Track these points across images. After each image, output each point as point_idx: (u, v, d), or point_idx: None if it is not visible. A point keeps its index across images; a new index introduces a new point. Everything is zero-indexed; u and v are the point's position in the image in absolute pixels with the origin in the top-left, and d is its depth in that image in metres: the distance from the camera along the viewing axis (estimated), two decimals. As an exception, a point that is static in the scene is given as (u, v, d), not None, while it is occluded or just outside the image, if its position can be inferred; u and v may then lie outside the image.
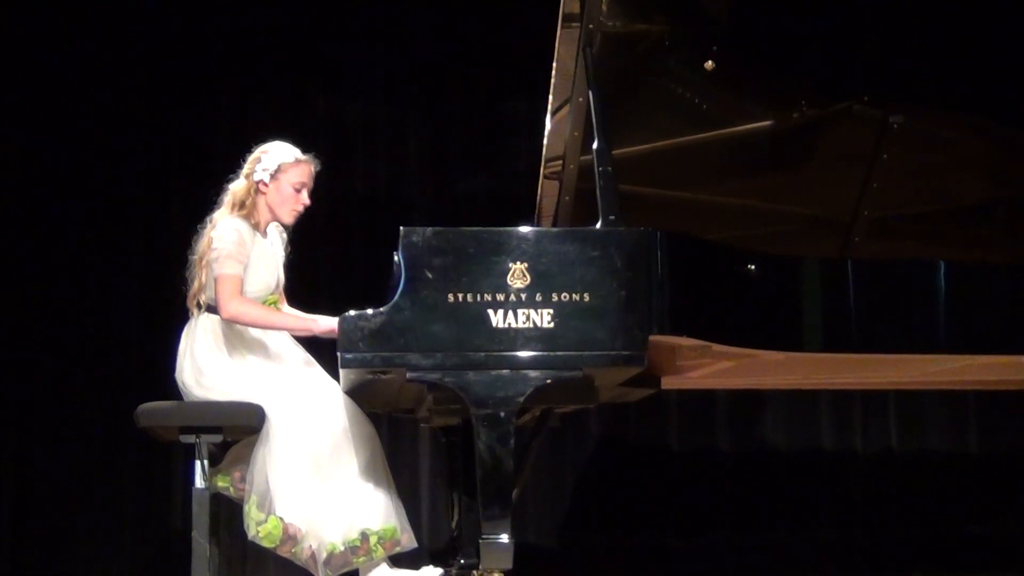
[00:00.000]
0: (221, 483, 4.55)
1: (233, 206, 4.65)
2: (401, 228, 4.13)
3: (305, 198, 4.70)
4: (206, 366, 4.53)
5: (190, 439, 4.43)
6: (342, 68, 6.73)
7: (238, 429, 4.49)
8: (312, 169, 4.72)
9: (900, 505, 6.73)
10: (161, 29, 6.65)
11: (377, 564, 4.44)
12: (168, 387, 4.70)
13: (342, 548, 4.37)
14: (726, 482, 6.71)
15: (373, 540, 4.39)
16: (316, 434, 4.41)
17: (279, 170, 4.65)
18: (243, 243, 4.56)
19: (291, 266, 4.84)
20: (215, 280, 4.53)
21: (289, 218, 4.72)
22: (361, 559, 4.39)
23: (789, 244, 5.04)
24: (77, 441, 6.37)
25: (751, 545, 6.63)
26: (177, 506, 6.28)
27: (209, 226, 4.65)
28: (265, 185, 4.65)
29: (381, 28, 6.75)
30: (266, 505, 4.37)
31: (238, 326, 4.56)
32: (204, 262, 4.59)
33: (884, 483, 6.78)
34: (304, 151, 4.72)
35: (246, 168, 4.70)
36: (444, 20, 6.78)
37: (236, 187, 4.69)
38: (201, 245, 4.63)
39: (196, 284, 4.62)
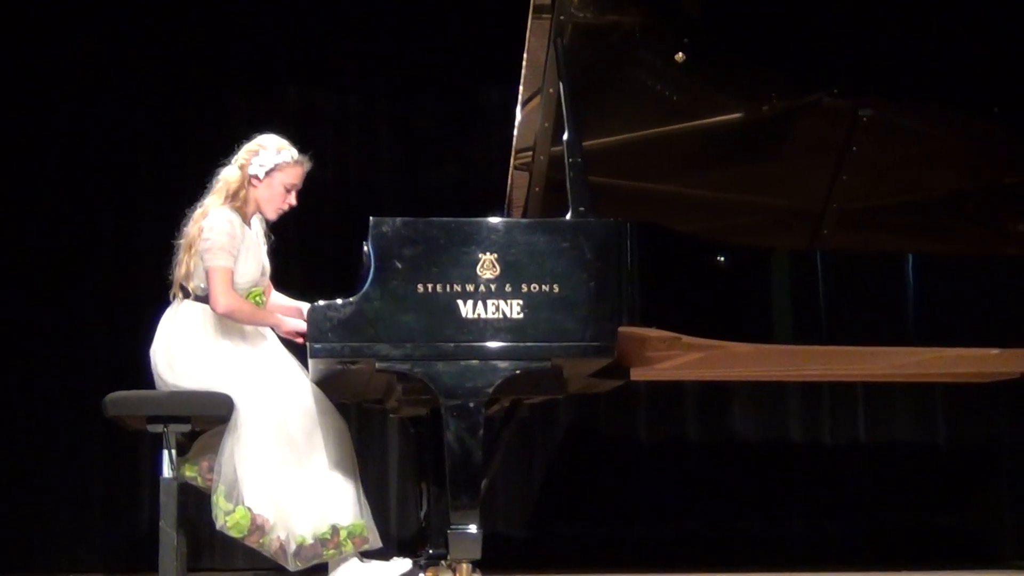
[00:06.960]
0: (189, 473, 4.52)
1: (226, 196, 4.59)
2: (371, 218, 4.12)
3: (293, 199, 4.67)
4: (182, 353, 4.50)
5: (158, 428, 4.41)
6: (313, 57, 6.70)
7: (206, 419, 4.47)
8: (304, 171, 4.68)
9: (868, 497, 6.77)
10: (134, 16, 6.60)
11: (347, 559, 4.42)
12: (136, 376, 4.67)
13: (311, 541, 4.35)
14: (694, 473, 6.72)
15: (343, 534, 4.38)
16: (287, 424, 4.38)
17: (276, 168, 4.61)
18: (235, 235, 4.52)
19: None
20: (207, 272, 4.50)
21: (274, 216, 4.67)
22: (331, 552, 4.37)
23: (759, 236, 5.05)
24: (44, 430, 6.34)
25: (719, 536, 6.65)
26: (145, 496, 6.25)
27: (199, 212, 4.59)
28: (259, 180, 4.60)
29: (352, 17, 6.73)
30: (234, 495, 4.34)
31: (218, 315, 4.54)
32: (193, 250, 4.53)
33: (852, 475, 6.81)
34: (300, 150, 4.67)
35: (240, 158, 4.63)
36: (415, 10, 6.77)
37: (229, 176, 4.62)
38: (191, 231, 4.57)
39: (183, 269, 4.56)
